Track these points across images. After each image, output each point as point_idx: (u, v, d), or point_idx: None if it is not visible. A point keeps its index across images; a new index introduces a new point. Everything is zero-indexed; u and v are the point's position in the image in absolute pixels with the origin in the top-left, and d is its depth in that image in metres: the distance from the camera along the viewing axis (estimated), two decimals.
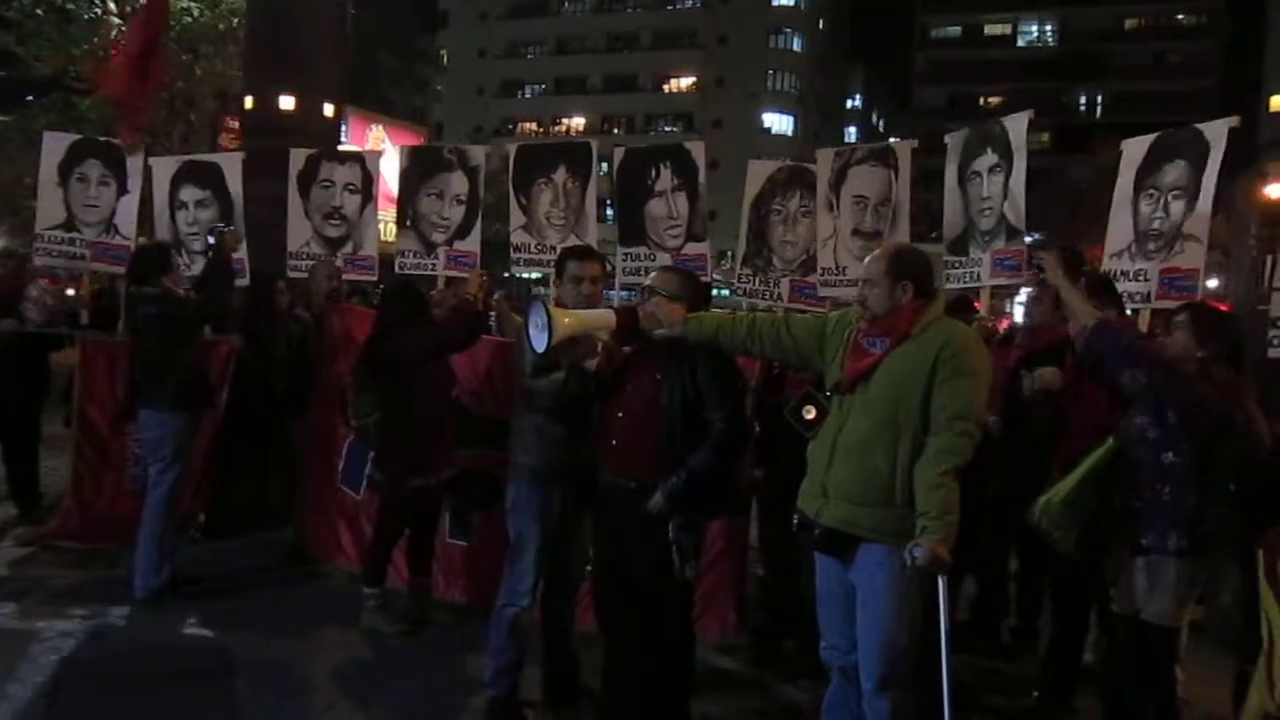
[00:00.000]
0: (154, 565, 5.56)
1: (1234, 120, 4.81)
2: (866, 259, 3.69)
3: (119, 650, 4.97)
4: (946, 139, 5.87)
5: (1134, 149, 5.15)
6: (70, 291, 7.96)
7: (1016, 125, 5.35)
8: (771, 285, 6.22)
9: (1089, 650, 4.78)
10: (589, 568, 4.43)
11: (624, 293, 6.56)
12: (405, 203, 6.93)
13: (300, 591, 5.90)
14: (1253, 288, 5.55)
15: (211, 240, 5.72)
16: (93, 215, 7.03)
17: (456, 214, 6.80)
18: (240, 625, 5.27)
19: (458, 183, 6.81)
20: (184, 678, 4.68)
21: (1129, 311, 5.07)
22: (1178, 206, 4.85)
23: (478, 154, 6.98)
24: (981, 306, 5.75)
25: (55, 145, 7.18)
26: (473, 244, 6.77)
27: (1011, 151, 5.32)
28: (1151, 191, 4.98)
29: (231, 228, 6.16)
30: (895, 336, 3.42)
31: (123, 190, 7.05)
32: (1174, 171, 4.90)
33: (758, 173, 6.35)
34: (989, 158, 5.47)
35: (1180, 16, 66.28)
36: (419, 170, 6.96)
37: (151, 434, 5.62)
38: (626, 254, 6.47)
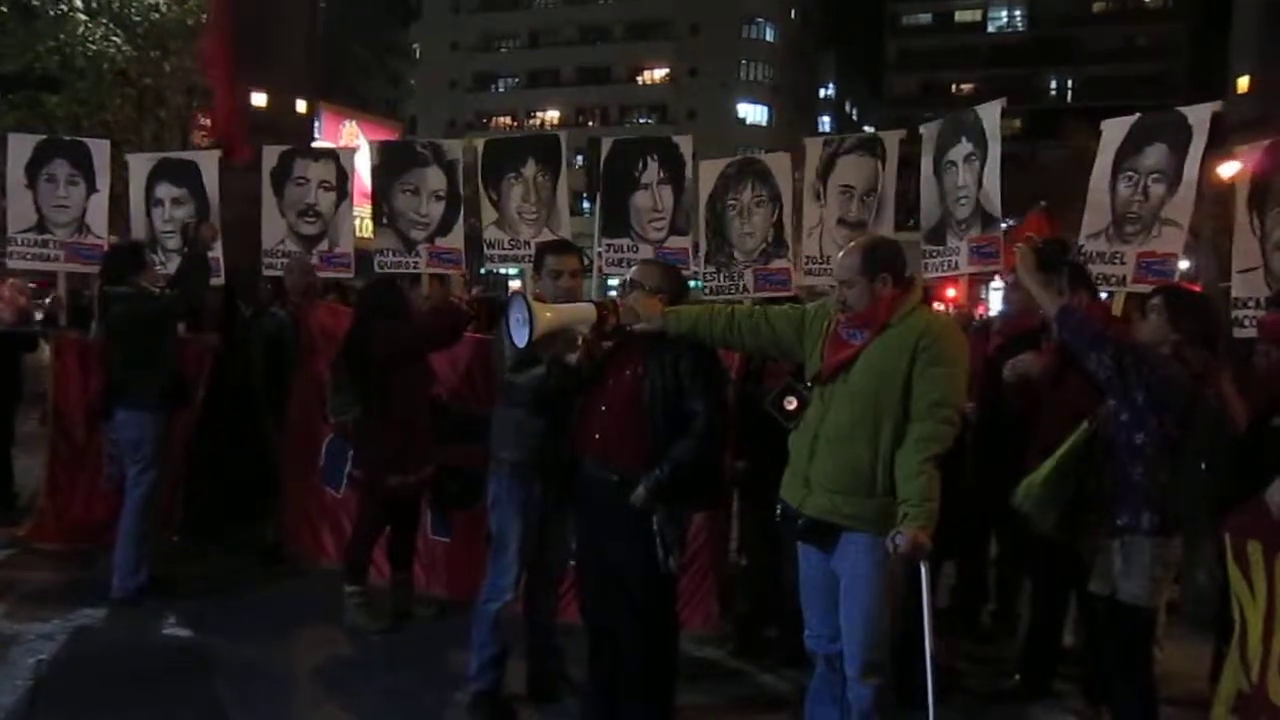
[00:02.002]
0: (132, 565, 5.53)
1: (1217, 105, 4.85)
2: (840, 255, 3.66)
3: (98, 651, 4.95)
4: (922, 129, 5.89)
5: (1113, 130, 5.15)
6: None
7: (990, 113, 5.37)
8: (736, 278, 6.22)
9: (1068, 632, 4.84)
10: (572, 561, 4.44)
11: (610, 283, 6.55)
12: (381, 200, 6.88)
13: (280, 590, 5.88)
14: (1218, 268, 5.62)
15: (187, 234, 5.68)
16: (63, 215, 6.95)
17: (436, 210, 6.75)
18: (220, 625, 5.25)
19: (434, 178, 6.75)
20: (164, 678, 4.66)
21: (1104, 295, 5.12)
22: (1157, 190, 4.87)
23: (454, 148, 6.93)
24: (960, 294, 5.79)
25: (21, 147, 7.08)
26: (456, 240, 6.74)
27: (985, 139, 5.34)
28: (1130, 174, 5.00)
29: (208, 221, 6.11)
30: (875, 327, 3.44)
31: (92, 189, 6.97)
32: (1154, 154, 4.91)
33: (709, 171, 6.35)
34: (964, 147, 5.49)
35: (1146, 0, 66.81)
36: (392, 166, 6.90)
37: (129, 434, 5.58)
38: (609, 244, 6.46)
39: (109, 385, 5.68)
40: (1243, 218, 5.02)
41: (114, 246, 6.32)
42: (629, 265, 6.13)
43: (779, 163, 6.19)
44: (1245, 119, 9.69)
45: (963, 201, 5.51)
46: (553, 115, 63.16)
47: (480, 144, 6.89)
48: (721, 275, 6.26)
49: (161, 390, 5.55)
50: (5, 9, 17.27)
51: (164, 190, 7.01)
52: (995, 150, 5.27)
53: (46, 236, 6.94)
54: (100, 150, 7.09)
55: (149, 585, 5.56)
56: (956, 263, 5.59)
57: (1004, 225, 5.50)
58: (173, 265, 6.81)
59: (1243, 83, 11.93)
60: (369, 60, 62.90)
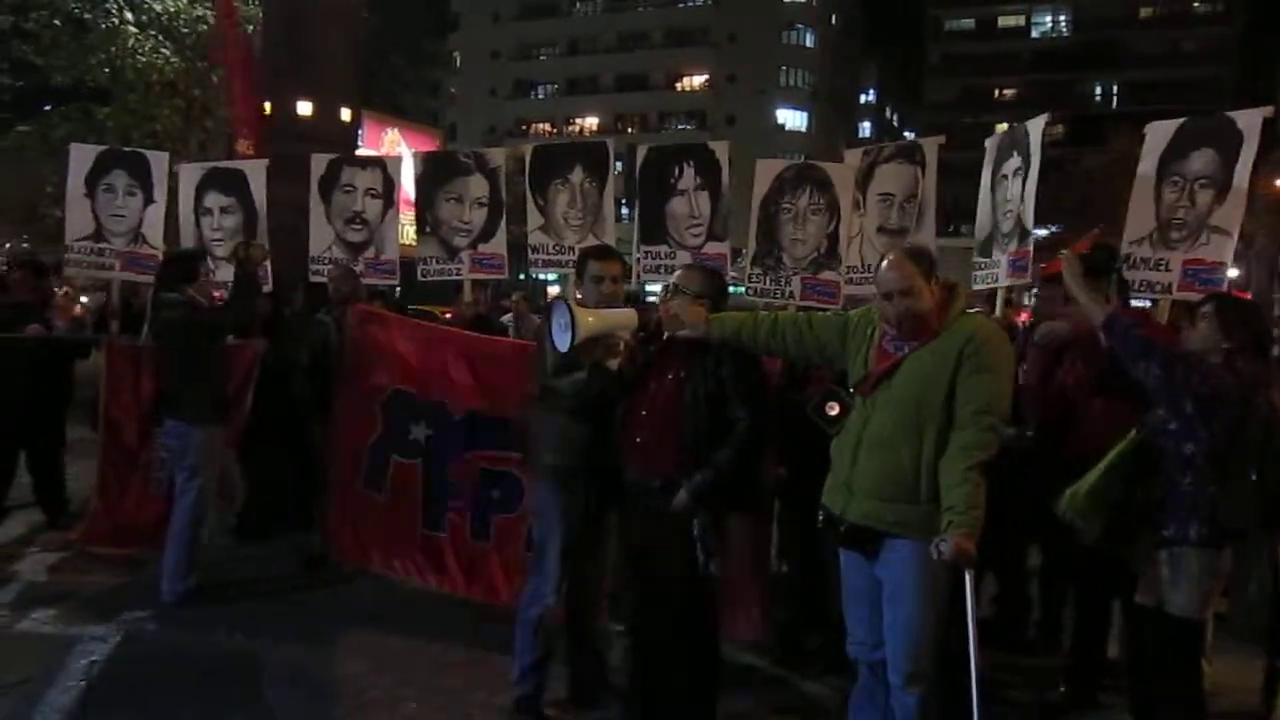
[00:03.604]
0: (181, 570, 5.64)
1: (1268, 110, 4.72)
2: (884, 272, 3.51)
3: (149, 654, 5.03)
4: (987, 144, 5.83)
5: (1158, 134, 5.04)
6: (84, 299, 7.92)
7: (1035, 127, 5.31)
8: (783, 284, 6.20)
9: (1115, 643, 4.78)
10: (614, 566, 4.45)
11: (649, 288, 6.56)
12: (424, 209, 6.95)
13: (326, 595, 5.95)
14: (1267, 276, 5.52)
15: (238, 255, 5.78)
16: (120, 225, 7.10)
17: (479, 217, 6.82)
18: (268, 628, 5.32)
19: (477, 186, 6.82)
20: (213, 681, 4.73)
21: (1147, 302, 5.04)
22: (1204, 197, 4.77)
23: (496, 156, 7.00)
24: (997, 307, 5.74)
25: (82, 157, 7.24)
26: (498, 246, 6.80)
27: (1030, 153, 5.29)
28: (1176, 179, 4.90)
29: (259, 242, 6.19)
30: (925, 337, 3.43)
31: (149, 200, 7.11)
32: (1201, 160, 4.80)
33: (766, 172, 6.33)
34: (1014, 161, 5.43)
35: (1195, 4, 65.80)
36: (435, 175, 6.97)
37: (176, 443, 5.71)
38: (647, 252, 6.47)
39: (159, 392, 5.80)
40: None
41: (169, 255, 6.42)
42: (666, 272, 6.15)
43: (840, 174, 6.13)
44: None
45: (1008, 215, 5.46)
46: (591, 122, 63.45)
47: (529, 150, 6.94)
48: (768, 279, 6.23)
49: (206, 403, 5.65)
50: (58, 22, 17.66)
51: (213, 199, 7.14)
52: (1036, 164, 5.22)
53: (103, 245, 7.09)
54: (159, 162, 7.22)
55: (198, 589, 5.66)
56: (997, 276, 5.55)
57: (1042, 231, 5.44)
58: (221, 273, 6.95)
59: None
60: (410, 69, 63.58)
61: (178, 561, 5.64)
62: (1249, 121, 4.69)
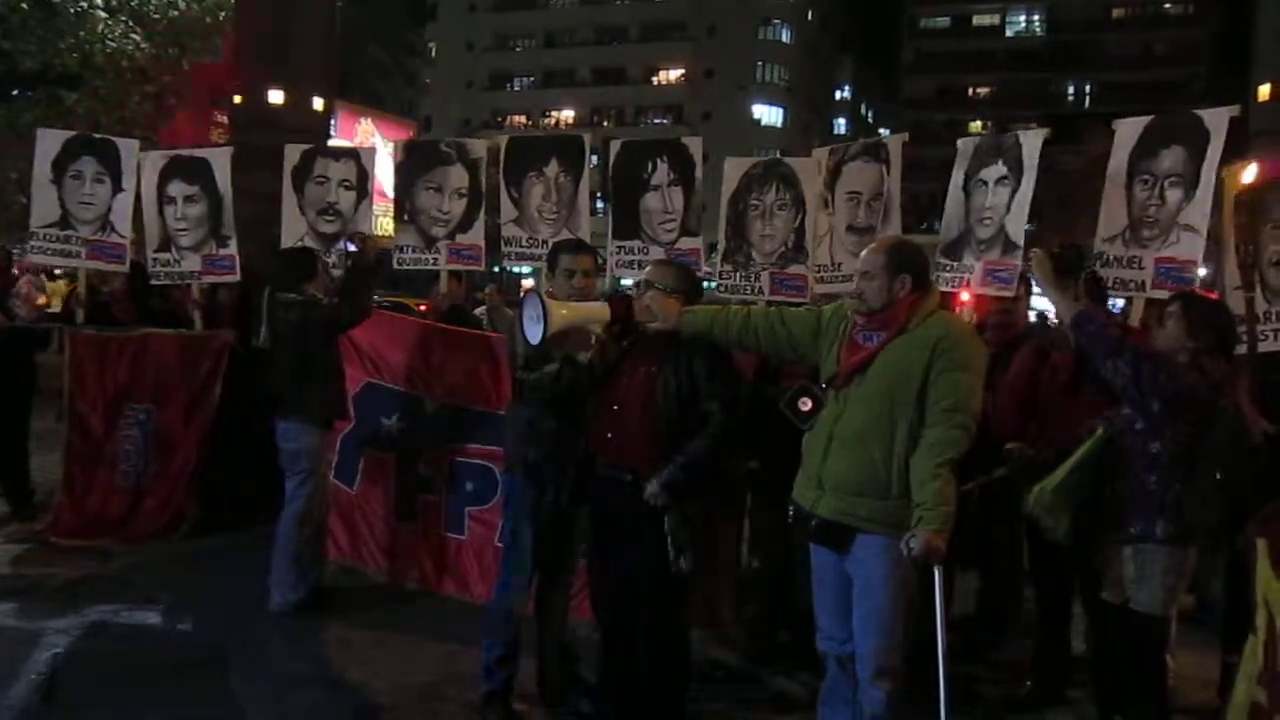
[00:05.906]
0: (291, 580, 5.39)
1: (1235, 109, 4.74)
2: (863, 252, 3.68)
3: (114, 647, 4.96)
4: (959, 144, 5.78)
5: (1127, 130, 5.02)
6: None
7: (1031, 142, 5.23)
8: (752, 280, 6.21)
9: (1080, 639, 4.82)
10: (584, 560, 4.45)
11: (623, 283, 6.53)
12: (403, 198, 6.89)
13: None
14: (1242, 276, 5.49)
15: (353, 247, 5.68)
16: (88, 213, 6.94)
17: (458, 208, 6.75)
18: (235, 621, 5.27)
19: (457, 176, 6.75)
20: (180, 673, 4.68)
21: (1116, 302, 5.07)
22: (1174, 195, 4.78)
23: (478, 147, 6.92)
24: (972, 299, 5.75)
25: (49, 142, 7.08)
26: (476, 237, 6.74)
27: (1022, 167, 5.26)
28: (1146, 177, 4.89)
29: (372, 235, 6.13)
30: (893, 329, 3.44)
31: (118, 188, 6.97)
32: (1170, 158, 4.80)
33: (734, 169, 6.32)
34: (998, 169, 5.37)
35: (1167, 5, 66.66)
36: (415, 164, 6.90)
37: (288, 445, 5.41)
38: (620, 247, 6.45)
39: (271, 394, 5.52)
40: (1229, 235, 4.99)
41: (286, 253, 6.18)
42: (640, 267, 6.13)
43: (805, 168, 6.13)
44: (1266, 128, 9.63)
45: (986, 222, 5.40)
46: (568, 115, 63.34)
47: (504, 141, 6.90)
48: (738, 275, 6.24)
49: (324, 402, 5.43)
50: (26, 6, 17.40)
51: (176, 188, 6.99)
52: (1030, 179, 5.16)
53: (69, 233, 6.95)
54: (129, 149, 7.07)
55: (311, 600, 5.44)
56: (969, 280, 5.54)
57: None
58: (186, 263, 6.86)
59: (1264, 91, 11.88)
60: (386, 60, 63.20)
61: (286, 572, 5.38)
62: (1216, 120, 4.71)
